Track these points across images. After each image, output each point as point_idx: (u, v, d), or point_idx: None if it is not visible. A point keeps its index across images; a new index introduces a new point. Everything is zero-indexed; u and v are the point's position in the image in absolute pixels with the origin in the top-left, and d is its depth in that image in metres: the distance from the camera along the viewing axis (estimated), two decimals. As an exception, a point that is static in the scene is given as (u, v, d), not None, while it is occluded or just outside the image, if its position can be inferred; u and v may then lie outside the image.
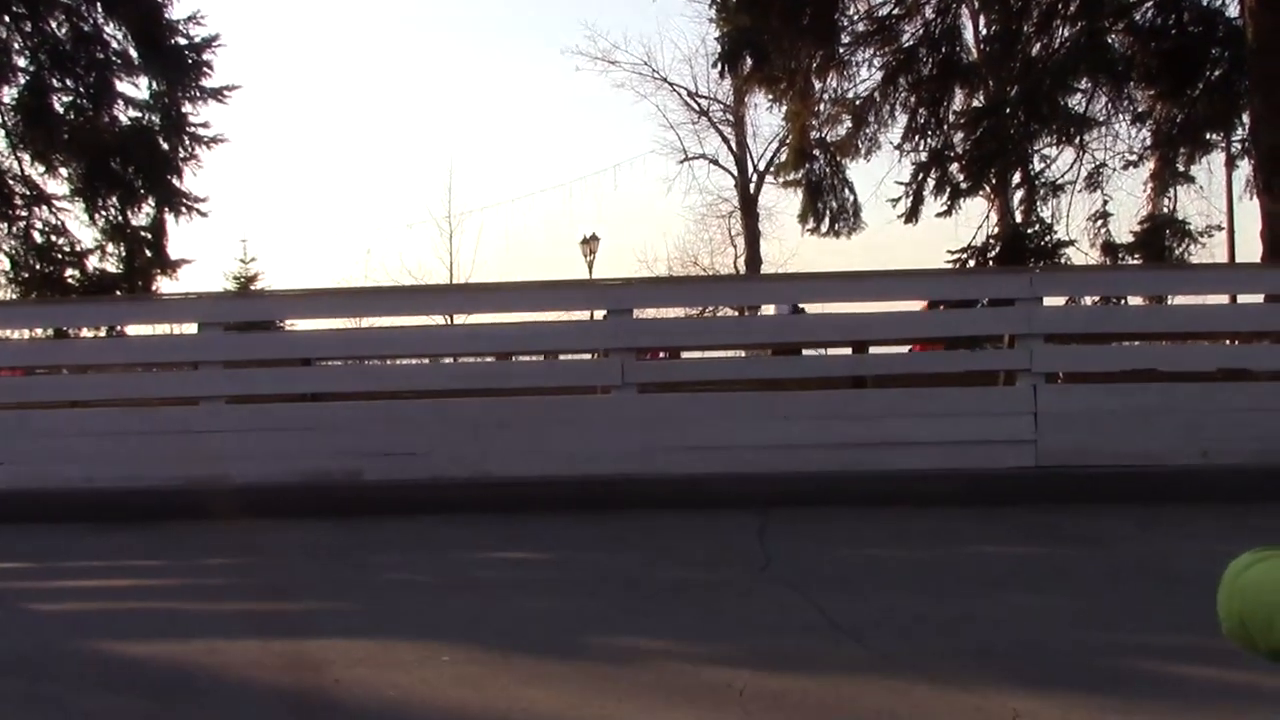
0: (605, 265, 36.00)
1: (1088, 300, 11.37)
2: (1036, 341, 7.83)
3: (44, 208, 16.57)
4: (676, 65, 38.34)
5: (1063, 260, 16.11)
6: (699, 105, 38.94)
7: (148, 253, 16.63)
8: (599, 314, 8.68)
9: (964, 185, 16.88)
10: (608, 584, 5.16)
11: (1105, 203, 16.91)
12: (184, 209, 16.81)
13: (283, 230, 79.94)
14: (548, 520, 6.97)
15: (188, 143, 16.79)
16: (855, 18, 17.04)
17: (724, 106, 38.22)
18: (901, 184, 17.28)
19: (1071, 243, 16.56)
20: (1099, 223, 16.88)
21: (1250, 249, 18.80)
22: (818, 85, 17.43)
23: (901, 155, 17.48)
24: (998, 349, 8.72)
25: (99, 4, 16.04)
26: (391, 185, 64.53)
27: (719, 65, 17.61)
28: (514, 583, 5.33)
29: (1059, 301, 9.36)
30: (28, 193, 16.52)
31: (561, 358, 9.65)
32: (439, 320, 13.56)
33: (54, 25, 16.14)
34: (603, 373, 8.32)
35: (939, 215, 17.18)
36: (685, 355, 10.19)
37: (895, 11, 16.77)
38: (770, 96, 18.51)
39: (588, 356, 9.35)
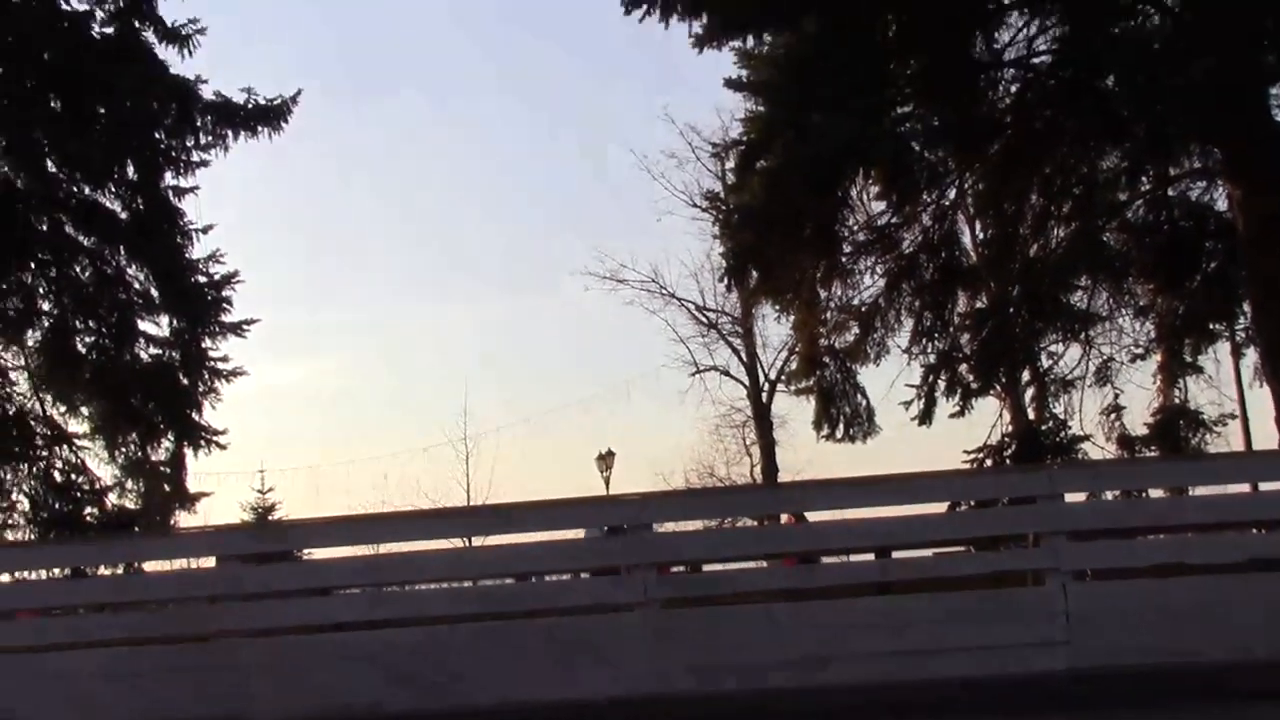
0: (622, 481, 35.96)
1: (1108, 495, 11.30)
2: (1061, 539, 7.74)
3: (64, 447, 16.77)
4: (683, 281, 39.58)
5: (1079, 455, 16.08)
6: (707, 319, 39.56)
7: (166, 488, 16.74)
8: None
9: (974, 385, 17.03)
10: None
11: (1117, 396, 17.02)
12: (203, 442, 17.00)
13: (300, 458, 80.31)
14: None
15: (207, 377, 17.09)
16: (855, 228, 17.54)
17: (732, 319, 38.81)
18: (912, 387, 17.42)
19: (1087, 437, 16.60)
20: (1112, 416, 16.94)
21: (1266, 436, 18.77)
22: (823, 294, 17.80)
23: (910, 358, 17.70)
24: (1022, 548, 8.61)
25: (122, 247, 16.60)
26: (407, 410, 65.08)
27: (725, 280, 18.05)
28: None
29: (1080, 497, 9.30)
30: (49, 433, 16.76)
31: (583, 576, 9.55)
32: (458, 543, 13.47)
33: (78, 270, 16.67)
34: (625, 590, 8.22)
35: (952, 416, 17.28)
36: (706, 568, 10.06)
37: (894, 220, 17.25)
38: (777, 307, 18.89)
39: (610, 574, 9.25)
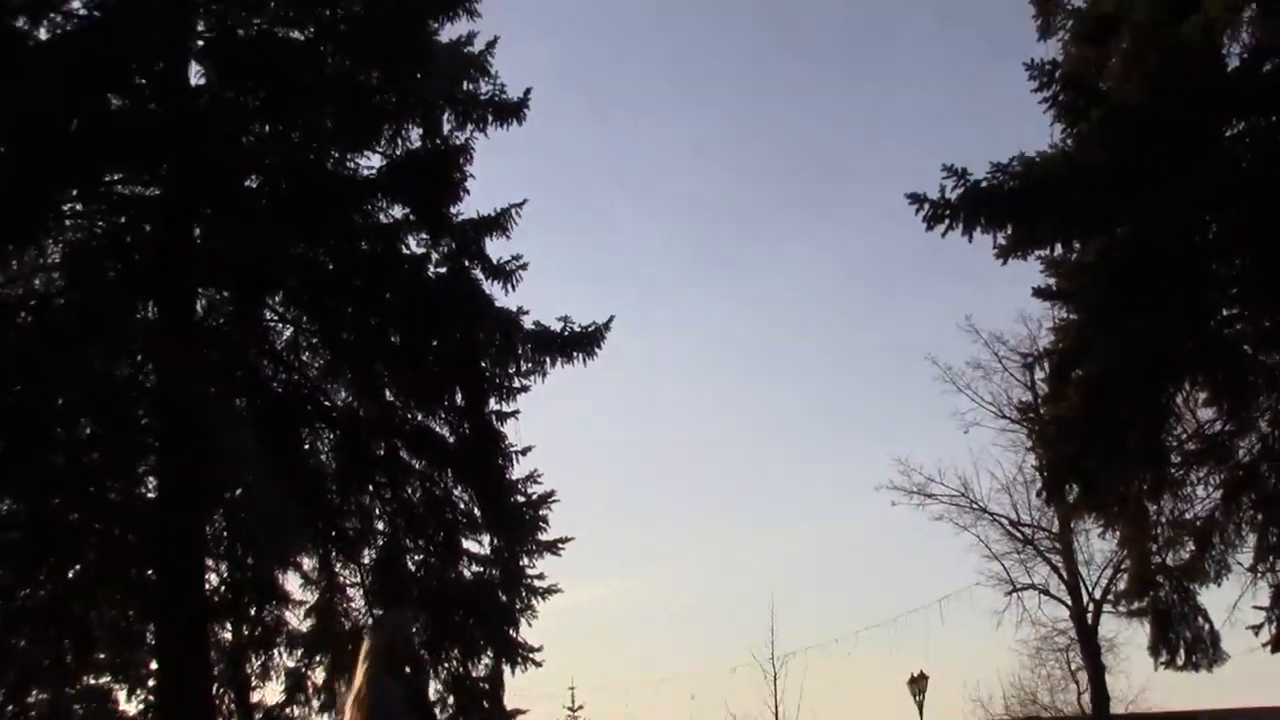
0: (936, 706, 34.20)
1: None
2: None
3: (393, 663, 17.54)
4: (995, 495, 37.51)
5: None
6: (1023, 534, 37.68)
7: (485, 704, 17.18)
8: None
9: (1336, 607, 15.42)
10: None
11: None
12: (520, 660, 17.44)
13: (608, 675, 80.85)
14: None
15: (524, 594, 17.65)
16: (1184, 437, 16.55)
17: (1050, 534, 36.90)
18: (1261, 609, 15.93)
19: None
20: None
21: None
22: (1151, 508, 16.74)
23: (1256, 577, 16.23)
24: None
25: (450, 470, 17.60)
26: (714, 627, 64.71)
27: (1042, 494, 17.30)
28: None
29: None
30: (378, 649, 17.60)
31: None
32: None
33: (410, 491, 17.74)
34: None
35: (1313, 641, 15.61)
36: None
37: (1227, 428, 16.17)
38: (1101, 522, 17.88)
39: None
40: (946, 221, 15.21)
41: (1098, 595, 35.74)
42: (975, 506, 38.45)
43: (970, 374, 37.91)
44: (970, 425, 37.59)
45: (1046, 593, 37.54)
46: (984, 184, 15.17)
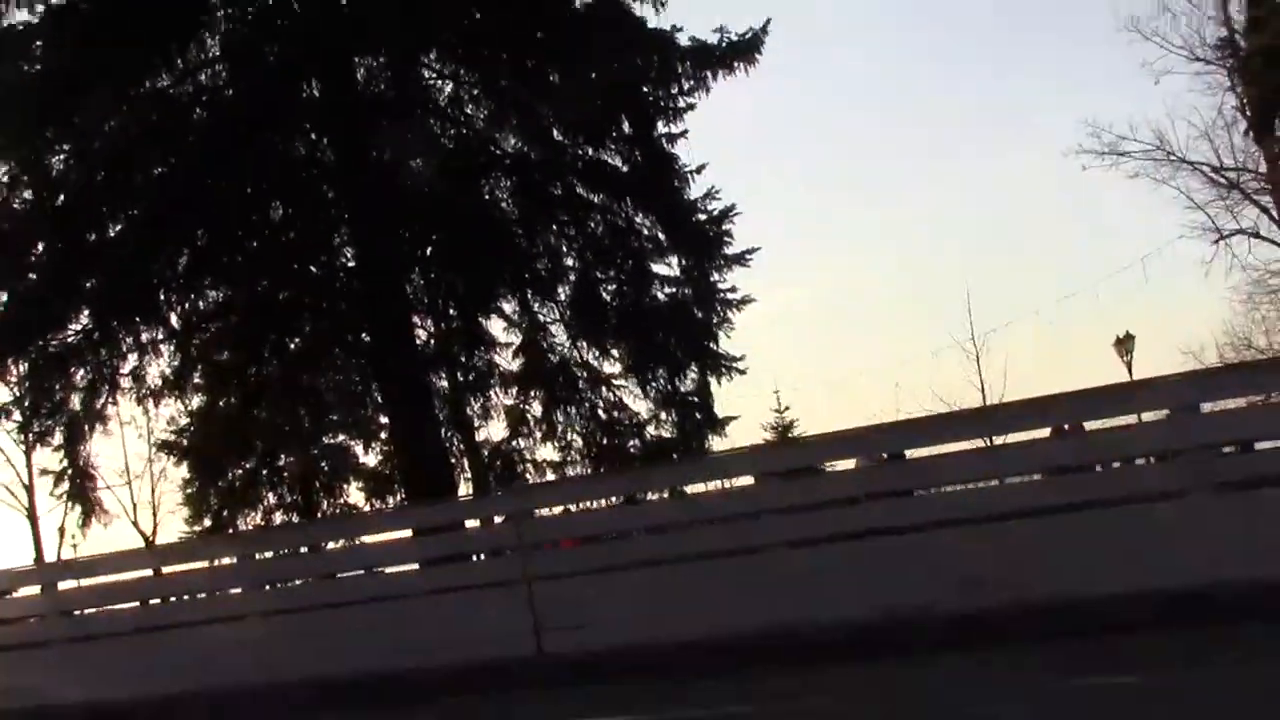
0: (1145, 365, 33.75)
1: None
2: None
3: (604, 388, 18.38)
4: (1194, 143, 34.98)
5: None
6: (1226, 179, 35.81)
7: (697, 416, 17.87)
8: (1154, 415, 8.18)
9: None
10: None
11: None
12: (724, 370, 17.95)
13: (811, 374, 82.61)
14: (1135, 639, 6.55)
15: (719, 309, 17.94)
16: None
17: (1256, 175, 34.98)
18: None
19: None
20: None
21: None
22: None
23: None
24: None
25: (628, 199, 17.70)
26: (911, 315, 64.85)
27: (1248, 132, 16.40)
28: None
29: None
30: (587, 376, 18.44)
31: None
32: (979, 443, 13.30)
33: (593, 225, 17.98)
34: (1173, 477, 7.77)
35: None
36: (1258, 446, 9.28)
37: None
38: (1313, 152, 16.91)
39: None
40: None
41: (1311, 231, 34.09)
42: (1173, 158, 36.43)
43: (1156, 19, 35.31)
44: (1161, 74, 35.25)
45: (1257, 235, 35.92)
46: None
